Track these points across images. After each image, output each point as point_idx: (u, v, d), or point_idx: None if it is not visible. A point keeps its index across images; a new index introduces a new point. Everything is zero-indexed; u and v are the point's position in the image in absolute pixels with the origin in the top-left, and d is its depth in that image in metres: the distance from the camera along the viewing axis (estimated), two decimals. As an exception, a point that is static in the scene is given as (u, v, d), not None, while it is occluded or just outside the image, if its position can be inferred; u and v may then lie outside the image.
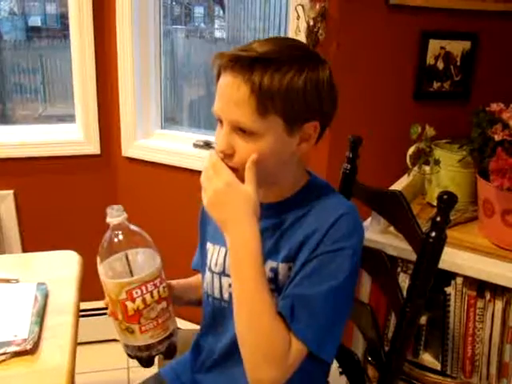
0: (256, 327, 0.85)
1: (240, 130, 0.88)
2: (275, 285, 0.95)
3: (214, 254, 1.06)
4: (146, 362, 0.94)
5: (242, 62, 0.85)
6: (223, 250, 1.04)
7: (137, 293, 0.88)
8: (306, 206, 0.95)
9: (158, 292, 0.91)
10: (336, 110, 0.95)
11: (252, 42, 0.89)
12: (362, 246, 0.95)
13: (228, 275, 1.02)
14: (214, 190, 0.89)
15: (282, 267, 0.94)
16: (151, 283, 0.90)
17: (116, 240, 0.92)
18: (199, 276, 1.19)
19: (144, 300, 0.89)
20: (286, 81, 0.85)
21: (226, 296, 1.04)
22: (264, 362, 0.84)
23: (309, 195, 0.97)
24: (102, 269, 0.91)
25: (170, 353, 0.95)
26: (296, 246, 0.93)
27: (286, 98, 0.85)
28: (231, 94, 0.87)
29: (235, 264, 0.88)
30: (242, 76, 0.85)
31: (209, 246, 1.10)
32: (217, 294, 1.06)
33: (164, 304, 0.92)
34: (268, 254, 0.96)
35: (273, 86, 0.84)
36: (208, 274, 1.07)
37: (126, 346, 0.94)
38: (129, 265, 0.90)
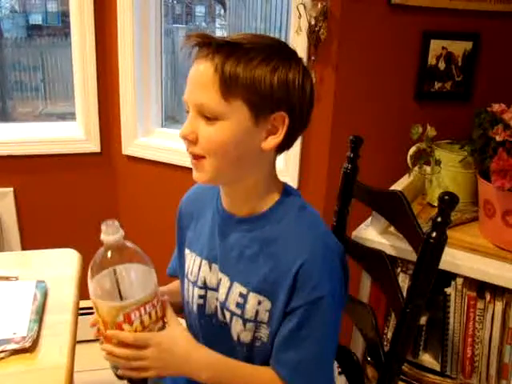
0: None
1: (204, 116, 0.85)
2: (241, 311, 0.94)
3: (191, 261, 1.05)
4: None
5: (211, 44, 0.84)
6: (198, 259, 1.03)
7: (135, 315, 0.85)
8: (277, 226, 0.92)
9: (156, 312, 0.89)
10: (310, 108, 0.91)
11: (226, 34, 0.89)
12: (358, 252, 0.97)
13: (201, 287, 1.01)
14: (154, 359, 0.89)
15: (252, 297, 0.92)
16: (149, 304, 0.87)
17: (109, 257, 0.86)
18: (178, 282, 1.16)
19: (142, 322, 0.87)
20: (252, 66, 0.83)
21: (194, 307, 1.03)
22: None
23: (281, 213, 0.93)
24: (91, 286, 0.86)
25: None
26: (266, 281, 0.91)
27: (250, 84, 0.83)
28: (197, 77, 0.86)
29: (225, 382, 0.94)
30: (209, 58, 0.84)
31: (187, 252, 1.08)
32: (191, 302, 1.05)
33: (160, 323, 0.91)
34: (234, 274, 0.95)
35: (237, 70, 0.82)
36: (186, 282, 1.07)
37: (116, 368, 0.92)
38: (117, 282, 0.85)
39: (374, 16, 1.63)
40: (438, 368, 1.36)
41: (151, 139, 2.07)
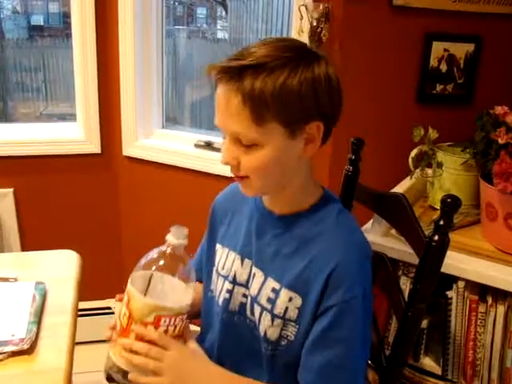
0: None
1: (240, 142, 0.87)
2: (271, 306, 0.94)
3: (223, 256, 1.06)
4: None
5: (233, 72, 0.83)
6: (232, 254, 1.03)
7: (165, 321, 0.85)
8: (316, 227, 0.94)
9: (181, 328, 0.89)
10: (340, 106, 0.92)
11: (243, 49, 0.87)
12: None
13: (231, 281, 1.02)
14: (173, 363, 0.87)
15: (285, 293, 0.93)
16: (180, 317, 0.88)
17: (163, 259, 0.88)
18: (199, 286, 1.15)
19: (167, 331, 0.87)
20: (279, 85, 0.82)
21: (220, 301, 1.04)
22: None
23: (321, 214, 0.95)
24: (134, 277, 0.88)
25: None
26: (301, 278, 0.92)
27: (280, 103, 0.83)
28: (226, 106, 0.85)
29: None
30: (233, 86, 0.83)
31: (218, 247, 1.09)
32: (217, 296, 1.06)
33: (182, 341, 0.91)
34: (270, 269, 0.96)
35: (265, 92, 0.82)
36: (215, 276, 1.07)
37: (114, 369, 0.91)
38: (148, 285, 0.86)
39: (375, 17, 1.62)
40: (439, 372, 1.36)
41: (152, 140, 2.07)
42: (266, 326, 0.95)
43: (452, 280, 1.28)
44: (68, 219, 2.10)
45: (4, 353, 0.95)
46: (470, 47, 1.71)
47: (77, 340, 1.06)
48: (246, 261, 1.01)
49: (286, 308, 0.92)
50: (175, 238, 0.88)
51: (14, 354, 0.95)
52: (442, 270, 1.02)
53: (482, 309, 1.26)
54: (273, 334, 0.94)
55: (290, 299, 0.92)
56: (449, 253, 1.01)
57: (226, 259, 1.04)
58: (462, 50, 1.71)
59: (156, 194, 2.08)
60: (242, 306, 1.00)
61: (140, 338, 0.86)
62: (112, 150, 2.06)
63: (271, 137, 0.85)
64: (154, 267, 0.87)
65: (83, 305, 1.21)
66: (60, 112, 2.53)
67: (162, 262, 0.88)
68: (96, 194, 2.10)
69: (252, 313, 0.98)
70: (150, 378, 0.87)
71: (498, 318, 1.24)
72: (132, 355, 0.86)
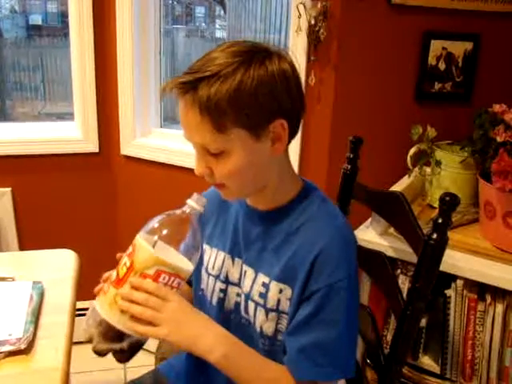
0: None
1: (209, 152, 0.88)
2: (263, 301, 0.94)
3: (212, 256, 1.05)
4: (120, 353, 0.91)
5: (187, 86, 0.83)
6: (221, 254, 1.03)
7: (164, 278, 0.85)
8: (300, 218, 0.94)
9: (177, 291, 0.89)
10: (301, 99, 0.91)
11: (195, 62, 0.87)
12: (358, 253, 0.95)
13: (223, 281, 1.02)
14: (171, 314, 0.86)
15: (273, 286, 0.93)
16: (179, 280, 0.87)
17: (177, 220, 0.89)
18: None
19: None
20: (233, 90, 0.81)
21: (214, 300, 1.04)
22: None
23: (303, 205, 0.95)
24: (148, 226, 0.89)
25: (132, 352, 0.91)
26: (287, 269, 0.92)
27: (237, 108, 0.82)
28: (186, 120, 0.86)
29: (233, 370, 0.89)
30: (190, 99, 0.83)
31: (205, 247, 1.08)
32: (210, 296, 1.06)
33: None
34: (259, 265, 0.96)
35: (221, 100, 0.81)
36: (205, 275, 1.07)
37: (98, 322, 0.87)
38: (156, 241, 0.86)
39: (374, 16, 1.62)
40: (437, 371, 1.35)
41: (149, 139, 2.06)
42: (261, 321, 0.95)
43: (451, 278, 1.28)
44: (66, 218, 2.10)
45: (1, 352, 0.94)
46: (469, 45, 1.71)
47: (74, 340, 1.05)
48: (237, 260, 1.01)
49: (279, 300, 0.93)
50: (195, 203, 0.89)
51: (11, 353, 0.95)
52: (441, 268, 1.02)
53: (480, 307, 1.26)
54: (268, 328, 0.95)
55: (281, 291, 0.92)
56: (447, 251, 1.01)
57: (215, 259, 1.04)
58: (460, 48, 1.71)
59: (154, 192, 2.07)
60: (237, 304, 1.01)
61: (137, 289, 0.85)
62: (110, 149, 2.06)
63: (236, 142, 0.85)
64: (166, 226, 0.88)
65: (81, 304, 1.20)
66: (58, 111, 2.53)
67: (175, 223, 0.89)
68: (94, 193, 2.10)
69: (246, 311, 0.98)
70: (147, 327, 0.85)
71: (497, 317, 1.24)
72: (130, 304, 0.85)
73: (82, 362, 1.42)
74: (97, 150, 2.04)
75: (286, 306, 0.93)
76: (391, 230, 1.37)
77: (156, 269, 0.85)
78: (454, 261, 1.26)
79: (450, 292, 1.29)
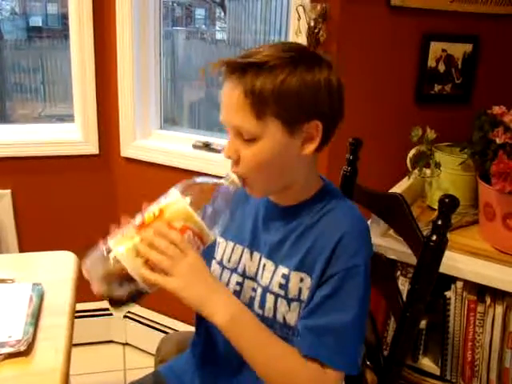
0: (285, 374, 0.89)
1: (242, 136, 0.89)
2: (284, 291, 0.95)
3: (228, 249, 1.06)
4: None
5: (237, 68, 0.87)
6: (239, 247, 1.04)
7: (189, 235, 0.86)
8: (318, 213, 0.96)
9: (198, 251, 0.89)
10: (340, 112, 0.94)
11: (251, 49, 0.91)
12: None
13: (241, 274, 1.03)
14: (187, 269, 0.86)
15: (294, 276, 0.94)
16: (200, 243, 0.88)
17: (215, 188, 0.90)
18: None
19: None
20: (278, 82, 0.85)
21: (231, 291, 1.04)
22: None
23: (321, 202, 0.97)
24: (187, 183, 0.90)
25: (132, 299, 0.90)
26: (307, 258, 0.93)
27: (279, 101, 0.86)
28: (229, 100, 0.89)
29: (238, 337, 0.89)
30: (237, 81, 0.87)
31: (219, 240, 1.09)
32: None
33: None
34: (279, 258, 0.97)
35: (265, 89, 0.85)
36: (218, 268, 1.07)
37: (103, 265, 0.88)
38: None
39: (373, 18, 1.62)
40: (437, 372, 1.35)
41: (150, 141, 2.07)
42: (284, 312, 0.96)
43: (450, 280, 1.28)
44: (66, 220, 2.10)
45: (0, 354, 0.94)
46: (468, 47, 1.71)
47: (74, 341, 1.05)
48: (255, 253, 1.02)
49: (300, 290, 0.94)
50: (233, 182, 0.90)
51: (10, 355, 0.95)
52: (441, 270, 1.02)
53: (480, 309, 1.26)
54: (292, 318, 0.95)
55: (301, 280, 0.94)
56: (447, 253, 1.01)
57: (231, 252, 1.05)
58: (459, 50, 1.71)
59: (154, 194, 2.06)
60: (252, 299, 1.01)
61: (160, 237, 0.85)
62: (110, 151, 2.06)
63: (270, 132, 0.88)
64: (201, 190, 0.90)
65: (80, 306, 1.20)
66: (58, 113, 2.53)
67: (209, 191, 0.90)
68: (94, 195, 2.10)
69: (262, 305, 0.98)
70: (159, 276, 0.85)
71: (497, 318, 1.24)
72: (149, 249, 0.85)
73: (82, 363, 1.42)
74: (97, 152, 2.05)
75: (306, 295, 0.93)
76: (391, 231, 1.37)
77: (183, 224, 0.85)
78: (454, 262, 1.26)
79: (449, 294, 1.29)
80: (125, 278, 0.86)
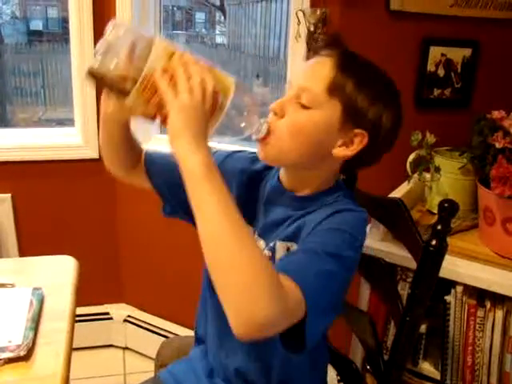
0: (246, 252, 0.71)
1: (299, 100, 0.90)
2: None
3: None
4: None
5: (338, 49, 0.94)
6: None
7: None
8: (325, 200, 0.95)
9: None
10: (389, 146, 0.98)
11: None
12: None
13: None
14: (190, 106, 0.78)
15: (280, 246, 0.93)
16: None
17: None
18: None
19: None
20: (362, 84, 0.89)
21: None
22: (262, 294, 0.69)
23: (331, 199, 0.96)
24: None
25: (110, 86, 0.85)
26: (295, 230, 0.92)
27: (354, 98, 0.89)
28: (316, 67, 0.92)
29: (198, 188, 0.74)
30: (333, 60, 0.90)
31: None
32: None
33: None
34: (272, 239, 0.96)
35: (348, 80, 0.89)
36: None
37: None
38: None
39: (372, 22, 1.63)
40: (437, 377, 1.35)
41: (149, 146, 2.06)
42: None
43: (450, 285, 1.28)
44: (66, 224, 2.10)
45: (0, 359, 0.94)
46: (467, 52, 1.71)
47: (74, 346, 1.05)
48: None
49: None
50: (265, 130, 0.89)
51: (10, 360, 0.95)
52: (440, 274, 1.02)
53: (480, 313, 1.26)
54: None
55: (288, 249, 0.93)
56: (447, 257, 1.01)
57: None
58: (459, 54, 1.71)
59: (154, 198, 2.07)
60: None
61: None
62: (110, 156, 2.06)
63: (328, 110, 0.89)
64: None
65: (81, 310, 1.20)
66: (58, 117, 2.53)
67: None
68: (94, 200, 2.10)
69: None
70: (169, 88, 0.78)
71: (497, 323, 1.24)
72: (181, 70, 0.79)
73: (82, 368, 1.42)
74: (97, 156, 2.04)
75: None
76: (391, 236, 1.38)
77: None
78: (454, 267, 1.26)
79: (449, 298, 1.29)
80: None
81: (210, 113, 0.81)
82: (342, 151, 0.92)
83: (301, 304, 0.74)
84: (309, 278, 0.77)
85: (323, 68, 0.90)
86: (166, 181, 1.11)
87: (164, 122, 0.82)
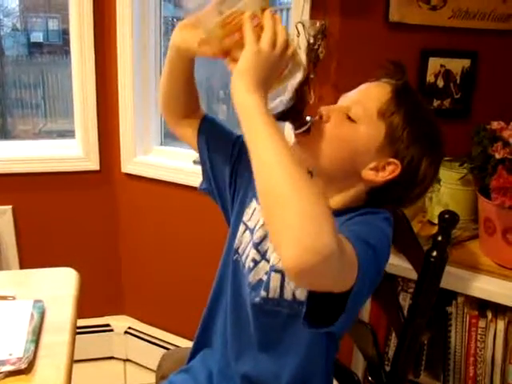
0: (305, 181, 0.70)
1: (347, 113, 0.91)
2: None
3: (258, 216, 1.03)
4: None
5: (400, 79, 0.96)
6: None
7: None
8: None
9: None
10: (417, 197, 0.97)
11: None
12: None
13: (259, 251, 1.00)
14: (269, 55, 0.80)
15: None
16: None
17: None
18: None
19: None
20: (412, 119, 0.90)
21: (246, 266, 1.02)
22: (325, 224, 0.66)
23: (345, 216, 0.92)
24: None
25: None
26: None
27: (401, 129, 0.90)
28: (374, 89, 0.95)
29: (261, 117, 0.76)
30: (392, 86, 0.94)
31: (255, 204, 1.05)
32: (241, 249, 1.05)
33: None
34: None
35: (403, 106, 0.90)
36: (241, 225, 1.06)
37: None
38: None
39: (372, 34, 1.63)
40: (439, 388, 1.35)
41: (150, 157, 2.07)
42: (293, 289, 0.94)
43: (451, 295, 1.28)
44: (67, 236, 2.10)
45: (1, 372, 0.94)
46: (466, 63, 1.72)
47: (75, 358, 1.05)
48: None
49: None
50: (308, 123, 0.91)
51: (11, 373, 0.94)
52: (441, 285, 1.02)
53: (482, 324, 1.26)
54: (301, 292, 0.93)
55: None
56: (448, 268, 1.02)
57: (257, 219, 1.02)
58: (458, 65, 1.72)
59: (155, 210, 2.08)
60: (260, 282, 0.99)
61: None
62: (111, 167, 2.06)
63: (372, 130, 0.90)
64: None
65: (81, 322, 1.20)
66: (59, 129, 2.53)
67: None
68: (95, 212, 2.10)
69: (266, 287, 0.96)
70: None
71: (499, 333, 1.24)
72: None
73: (83, 380, 1.41)
74: (98, 168, 2.05)
75: None
76: (392, 247, 1.37)
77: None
78: (455, 277, 1.26)
79: (450, 309, 1.29)
80: None
81: (277, 74, 0.84)
82: (371, 174, 0.91)
83: (355, 268, 0.73)
84: (362, 249, 0.76)
85: (381, 91, 0.92)
86: (212, 147, 1.11)
87: (232, 61, 0.84)
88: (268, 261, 1.00)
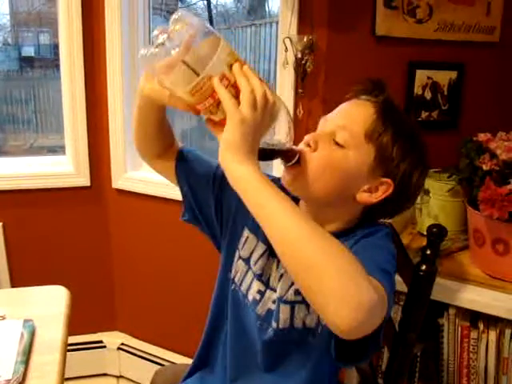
0: (329, 241, 0.71)
1: (333, 137, 0.90)
2: (302, 296, 0.90)
3: (251, 245, 1.03)
4: None
5: (380, 96, 0.93)
6: (262, 246, 1.01)
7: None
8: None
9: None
10: (408, 205, 0.98)
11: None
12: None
13: (263, 282, 1.00)
14: (250, 121, 0.77)
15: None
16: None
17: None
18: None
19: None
20: (399, 137, 0.90)
21: (250, 298, 1.02)
22: (361, 279, 0.68)
23: (346, 237, 0.92)
24: None
25: None
26: None
27: (390, 148, 0.89)
28: (356, 110, 0.93)
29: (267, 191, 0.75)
30: (373, 106, 0.91)
31: (247, 232, 1.04)
32: (238, 279, 1.04)
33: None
34: None
35: (389, 126, 0.89)
36: (241, 264, 1.05)
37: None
38: None
39: (359, 48, 1.65)
40: (433, 400, 1.35)
41: (141, 173, 2.07)
42: (303, 317, 0.94)
43: (443, 307, 1.28)
44: (58, 253, 2.09)
45: (-9, 394, 0.93)
46: (453, 74, 1.74)
47: (67, 375, 1.04)
48: (274, 259, 1.00)
49: None
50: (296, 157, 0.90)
51: (0, 395, 0.94)
52: (432, 297, 1.03)
53: (473, 335, 1.26)
54: (312, 320, 0.94)
55: None
56: (438, 280, 1.02)
57: (259, 255, 1.02)
58: (445, 77, 1.74)
59: (146, 225, 2.07)
60: (269, 312, 0.99)
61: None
62: (101, 183, 2.06)
63: (361, 154, 0.89)
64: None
65: (73, 339, 1.19)
66: (50, 144, 2.53)
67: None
68: (86, 228, 2.09)
69: (276, 319, 0.97)
70: (229, 95, 0.77)
71: (491, 344, 1.24)
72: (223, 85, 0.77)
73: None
74: (88, 184, 2.05)
75: None
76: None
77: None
78: (446, 289, 1.26)
79: (442, 320, 1.29)
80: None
81: (264, 130, 0.82)
82: (365, 197, 0.92)
83: (386, 302, 0.74)
84: (385, 279, 0.76)
85: (364, 112, 0.91)
86: (192, 180, 1.11)
87: (211, 122, 0.82)
88: (273, 290, 1.00)
